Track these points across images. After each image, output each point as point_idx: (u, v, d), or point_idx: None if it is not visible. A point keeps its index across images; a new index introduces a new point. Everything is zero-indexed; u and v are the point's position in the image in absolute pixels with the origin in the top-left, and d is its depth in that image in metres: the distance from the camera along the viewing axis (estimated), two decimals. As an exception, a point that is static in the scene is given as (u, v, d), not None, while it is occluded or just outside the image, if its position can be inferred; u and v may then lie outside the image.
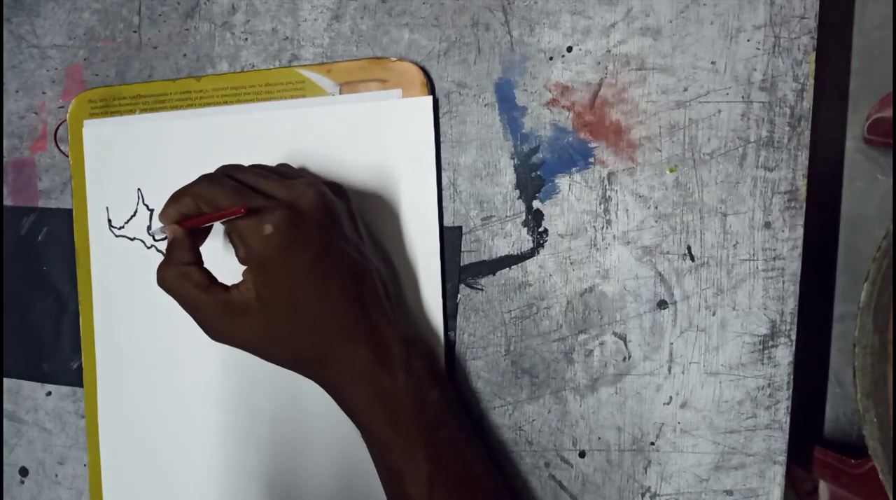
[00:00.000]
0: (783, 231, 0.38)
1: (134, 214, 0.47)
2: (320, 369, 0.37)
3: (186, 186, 0.36)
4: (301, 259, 0.35)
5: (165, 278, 0.36)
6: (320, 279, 0.35)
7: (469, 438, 0.39)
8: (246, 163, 0.44)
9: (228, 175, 0.37)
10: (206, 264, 0.37)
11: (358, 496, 0.42)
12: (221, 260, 0.39)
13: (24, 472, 0.50)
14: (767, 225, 0.38)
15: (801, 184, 0.38)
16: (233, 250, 0.36)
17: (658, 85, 0.39)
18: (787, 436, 0.38)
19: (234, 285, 0.36)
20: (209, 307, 0.35)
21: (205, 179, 0.36)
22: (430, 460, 0.36)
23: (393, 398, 0.36)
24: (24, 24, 0.50)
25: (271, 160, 0.44)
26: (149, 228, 0.47)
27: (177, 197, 0.36)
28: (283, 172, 0.38)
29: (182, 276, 0.36)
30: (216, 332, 0.36)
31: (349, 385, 0.37)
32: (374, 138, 0.42)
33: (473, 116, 0.42)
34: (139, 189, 0.47)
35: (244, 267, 0.36)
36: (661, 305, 0.40)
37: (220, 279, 0.36)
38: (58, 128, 0.49)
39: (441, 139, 0.42)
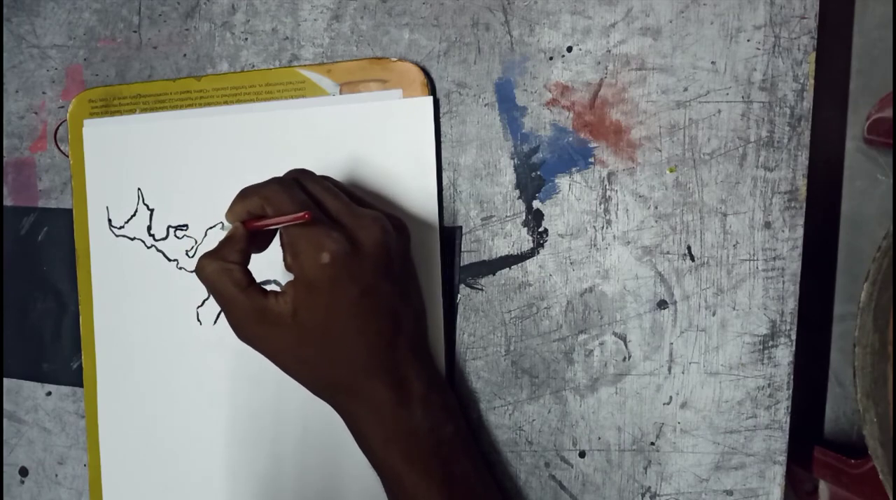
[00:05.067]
0: (783, 231, 0.38)
1: (134, 214, 0.47)
2: (340, 397, 0.38)
3: (256, 185, 0.35)
4: (347, 293, 0.35)
5: (205, 269, 0.35)
6: (360, 315, 0.35)
7: (482, 474, 0.39)
8: (246, 164, 0.44)
9: (298, 182, 0.36)
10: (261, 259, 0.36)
11: (357, 495, 0.42)
12: (270, 259, 0.39)
13: (24, 472, 0.50)
14: (767, 225, 0.38)
15: (801, 184, 0.38)
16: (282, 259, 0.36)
17: (658, 85, 0.39)
18: (787, 436, 0.38)
19: (274, 293, 0.35)
20: (243, 308, 0.35)
21: (275, 181, 0.35)
22: (443, 495, 0.36)
23: (409, 433, 0.36)
24: (24, 24, 0.50)
25: (272, 160, 0.44)
26: (149, 228, 0.47)
27: (245, 195, 0.35)
28: (351, 194, 0.38)
29: (222, 271, 0.35)
30: (245, 335, 0.36)
31: (367, 417, 0.37)
32: (375, 138, 0.42)
33: (473, 116, 0.42)
34: (139, 189, 0.47)
35: (288, 276, 0.35)
36: (661, 305, 0.40)
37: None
38: (58, 128, 0.49)
39: (441, 139, 0.42)
